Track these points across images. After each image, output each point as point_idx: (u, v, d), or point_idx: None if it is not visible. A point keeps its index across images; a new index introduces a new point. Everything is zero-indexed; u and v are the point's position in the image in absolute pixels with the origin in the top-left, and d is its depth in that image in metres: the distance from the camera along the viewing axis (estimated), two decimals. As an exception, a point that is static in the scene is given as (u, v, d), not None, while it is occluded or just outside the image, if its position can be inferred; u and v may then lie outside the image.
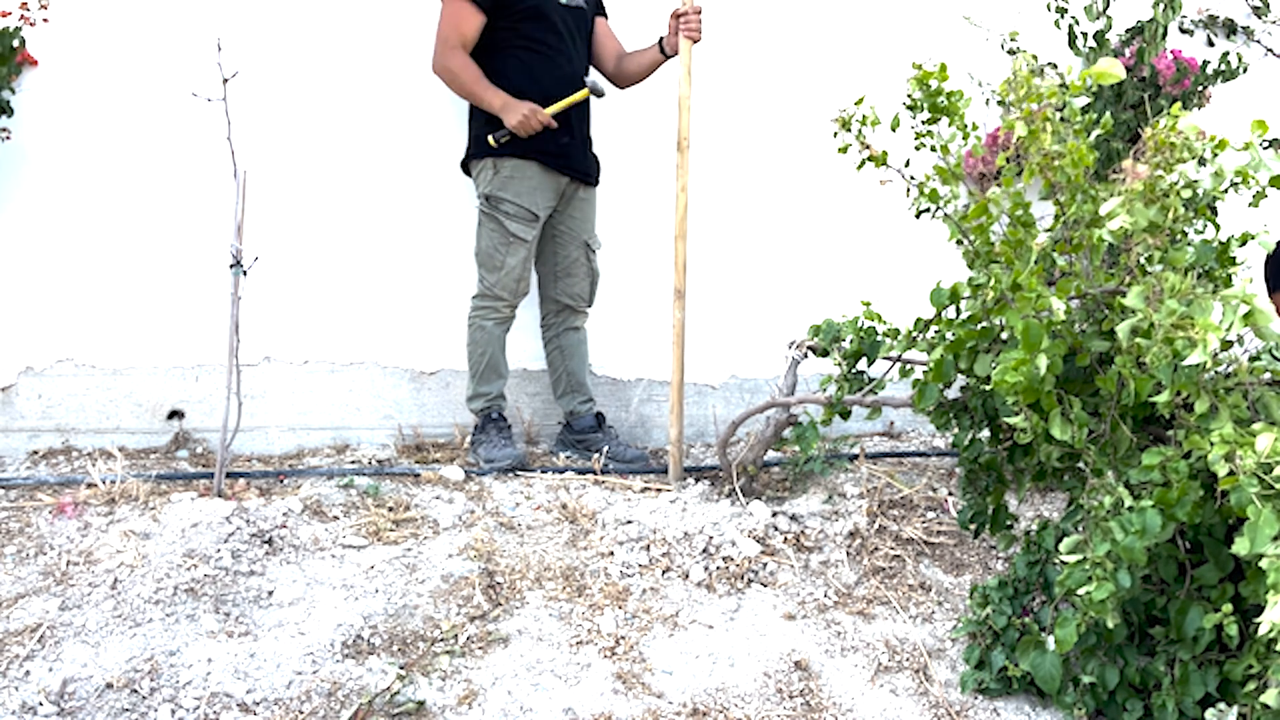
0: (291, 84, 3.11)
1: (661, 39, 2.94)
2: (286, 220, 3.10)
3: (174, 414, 3.12)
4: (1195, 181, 1.57)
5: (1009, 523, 2.14)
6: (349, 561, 2.23)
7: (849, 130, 2.19)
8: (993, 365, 1.85)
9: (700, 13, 2.77)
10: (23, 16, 2.84)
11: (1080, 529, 1.79)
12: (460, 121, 3.03)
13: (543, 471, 2.87)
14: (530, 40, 2.85)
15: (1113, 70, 1.69)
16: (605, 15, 3.10)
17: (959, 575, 2.36)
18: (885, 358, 2.28)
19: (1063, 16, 3.40)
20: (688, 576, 2.25)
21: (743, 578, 2.24)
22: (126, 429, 3.07)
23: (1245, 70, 3.37)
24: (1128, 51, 3.40)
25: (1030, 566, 2.02)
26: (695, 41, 2.77)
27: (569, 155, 2.92)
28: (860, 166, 2.22)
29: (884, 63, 3.16)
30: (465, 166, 3.02)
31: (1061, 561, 1.71)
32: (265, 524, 2.29)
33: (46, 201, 3.00)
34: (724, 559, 2.29)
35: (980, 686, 1.92)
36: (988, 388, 1.88)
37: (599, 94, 2.87)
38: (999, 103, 3.43)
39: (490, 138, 2.81)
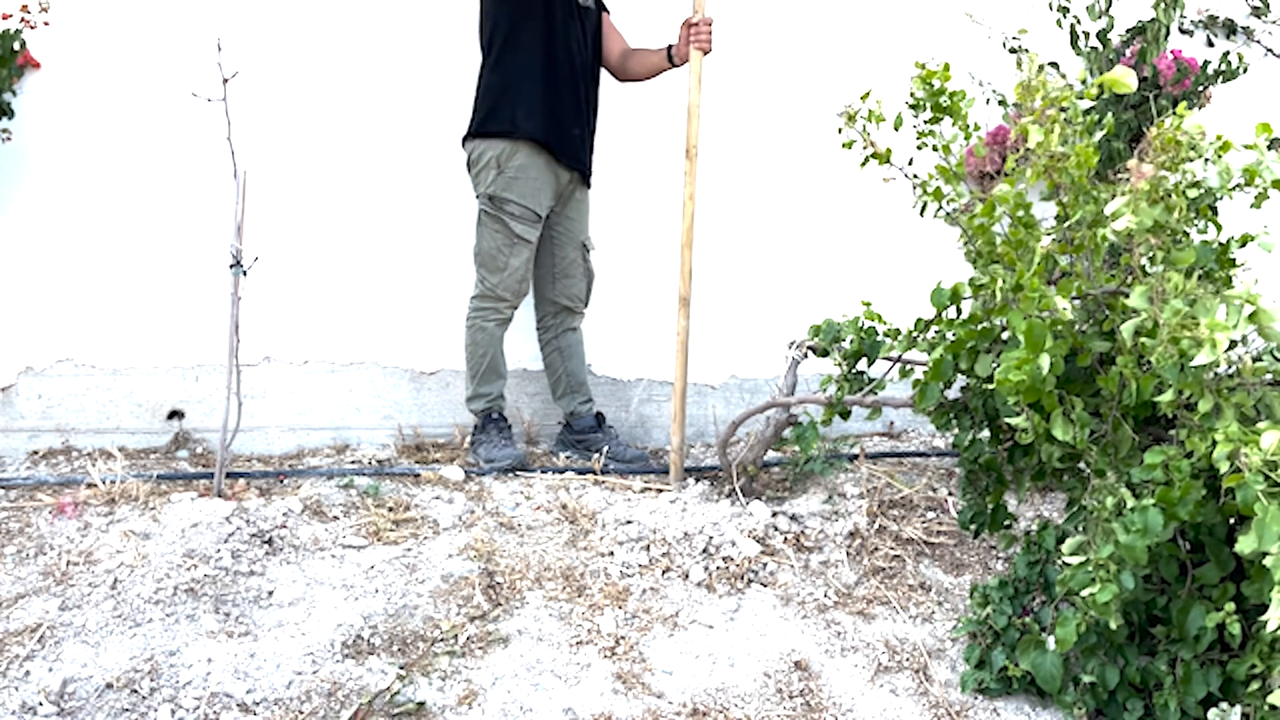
0: (291, 84, 3.11)
1: (670, 47, 2.92)
2: (286, 220, 3.10)
3: (174, 414, 3.12)
4: (1201, 180, 1.57)
5: (1008, 523, 2.14)
6: (349, 561, 2.23)
7: (854, 125, 2.19)
8: (994, 365, 1.85)
9: (711, 24, 2.76)
10: (24, 19, 2.85)
11: (1082, 530, 1.79)
12: (461, 118, 3.03)
13: (543, 471, 2.87)
14: (548, 36, 2.83)
15: (1125, 79, 1.69)
16: (607, 11, 3.10)
17: (959, 575, 2.35)
18: (885, 358, 2.27)
19: (1065, 16, 3.40)
20: (688, 576, 2.24)
21: (743, 578, 2.24)
22: (126, 429, 3.07)
23: (1245, 70, 3.37)
24: (1129, 51, 3.40)
25: (1030, 566, 2.02)
26: (706, 53, 2.76)
27: (581, 149, 2.92)
28: (864, 164, 2.22)
29: (884, 65, 3.15)
30: (465, 143, 2.94)
31: (1064, 562, 1.71)
32: (265, 524, 2.29)
33: (47, 202, 3.00)
34: (724, 559, 2.29)
35: (980, 686, 1.92)
36: (988, 388, 1.88)
37: None
38: (1000, 103, 3.43)
39: None
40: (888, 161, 2.20)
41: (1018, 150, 1.87)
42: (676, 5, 3.03)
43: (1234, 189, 1.63)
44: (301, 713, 1.72)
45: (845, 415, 2.29)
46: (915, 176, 2.15)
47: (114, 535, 2.21)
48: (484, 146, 2.85)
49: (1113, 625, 1.63)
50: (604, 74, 3.08)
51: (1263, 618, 1.43)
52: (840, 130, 2.21)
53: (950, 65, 2.06)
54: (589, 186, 3.06)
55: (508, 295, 2.91)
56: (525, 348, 3.24)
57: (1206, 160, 1.56)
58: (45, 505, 2.45)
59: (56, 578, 2.09)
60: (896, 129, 2.10)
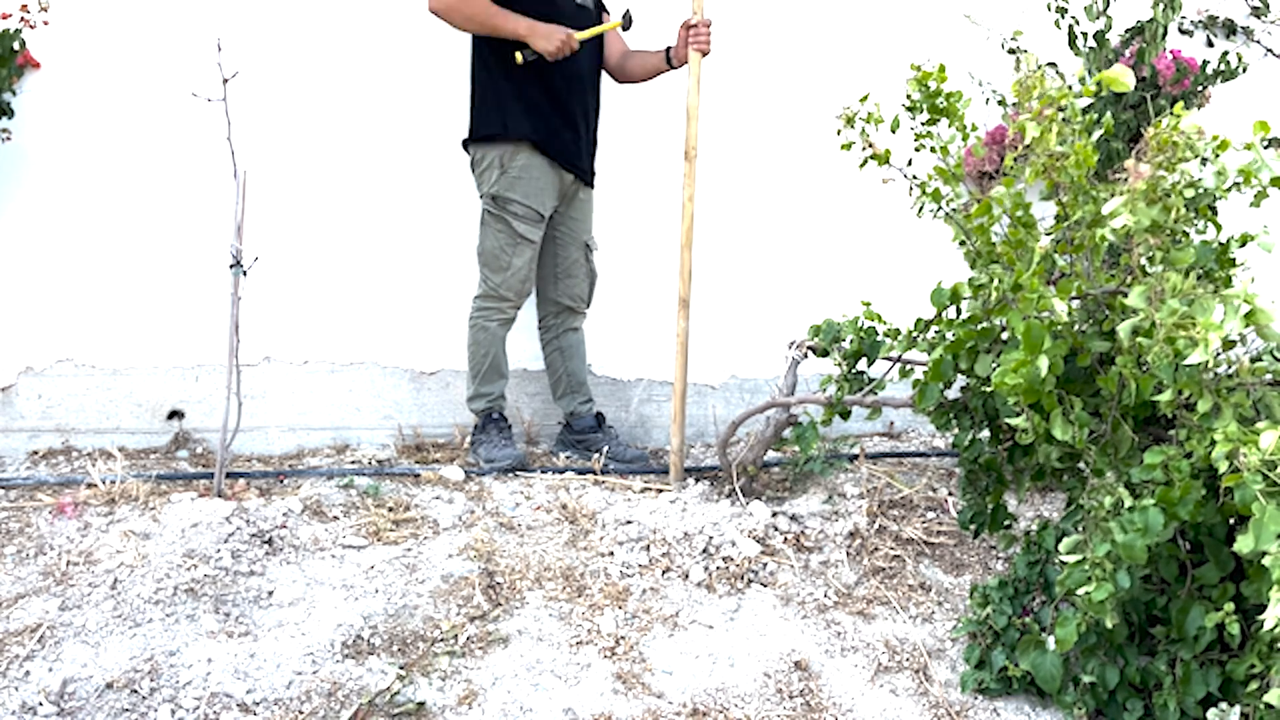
0: (291, 84, 3.11)
1: (669, 49, 2.91)
2: (286, 220, 3.10)
3: (174, 414, 3.12)
4: (1198, 181, 1.57)
5: (1008, 523, 2.14)
6: (349, 561, 2.23)
7: (853, 127, 2.19)
8: (993, 366, 1.85)
9: (710, 26, 2.75)
10: (23, 19, 2.85)
11: (1080, 529, 1.79)
12: (461, 118, 3.03)
13: (543, 471, 2.87)
14: None
15: (1124, 78, 1.69)
16: (608, 12, 3.09)
17: (959, 575, 2.35)
18: (885, 358, 2.27)
19: (1063, 16, 3.40)
20: (688, 577, 2.24)
21: (743, 578, 2.24)
22: (126, 429, 3.07)
23: (1245, 70, 3.37)
24: (1128, 52, 3.40)
25: (1030, 566, 2.02)
26: (705, 55, 2.76)
27: (578, 153, 2.92)
28: (863, 165, 2.22)
29: (883, 65, 3.16)
30: (466, 146, 2.94)
31: (1061, 562, 1.71)
32: (265, 524, 2.29)
33: (47, 202, 3.00)
34: (724, 559, 2.29)
35: (980, 686, 1.92)
36: (988, 388, 1.88)
37: (628, 25, 2.88)
38: (999, 103, 3.43)
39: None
40: (886, 162, 2.20)
41: (1015, 149, 1.87)
42: (675, 6, 3.03)
43: (1230, 190, 1.63)
44: (301, 713, 1.73)
45: (845, 415, 2.29)
46: (914, 178, 2.16)
47: (114, 535, 2.21)
48: (485, 149, 2.85)
49: (1109, 624, 1.63)
50: (604, 76, 3.08)
51: (1261, 617, 1.43)
52: (839, 132, 2.21)
53: (946, 66, 2.06)
54: (592, 187, 3.06)
55: (511, 295, 2.91)
56: (526, 348, 3.25)
57: (1204, 160, 1.56)
58: (45, 505, 2.45)
59: (56, 578, 2.09)
60: (894, 131, 2.10)
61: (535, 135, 2.81)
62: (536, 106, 2.82)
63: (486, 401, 2.96)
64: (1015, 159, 1.88)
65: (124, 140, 3.02)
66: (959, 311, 2.01)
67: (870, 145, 2.20)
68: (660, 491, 2.68)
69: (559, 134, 2.86)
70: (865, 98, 2.19)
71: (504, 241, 2.86)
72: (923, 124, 2.10)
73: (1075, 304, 1.84)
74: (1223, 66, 3.34)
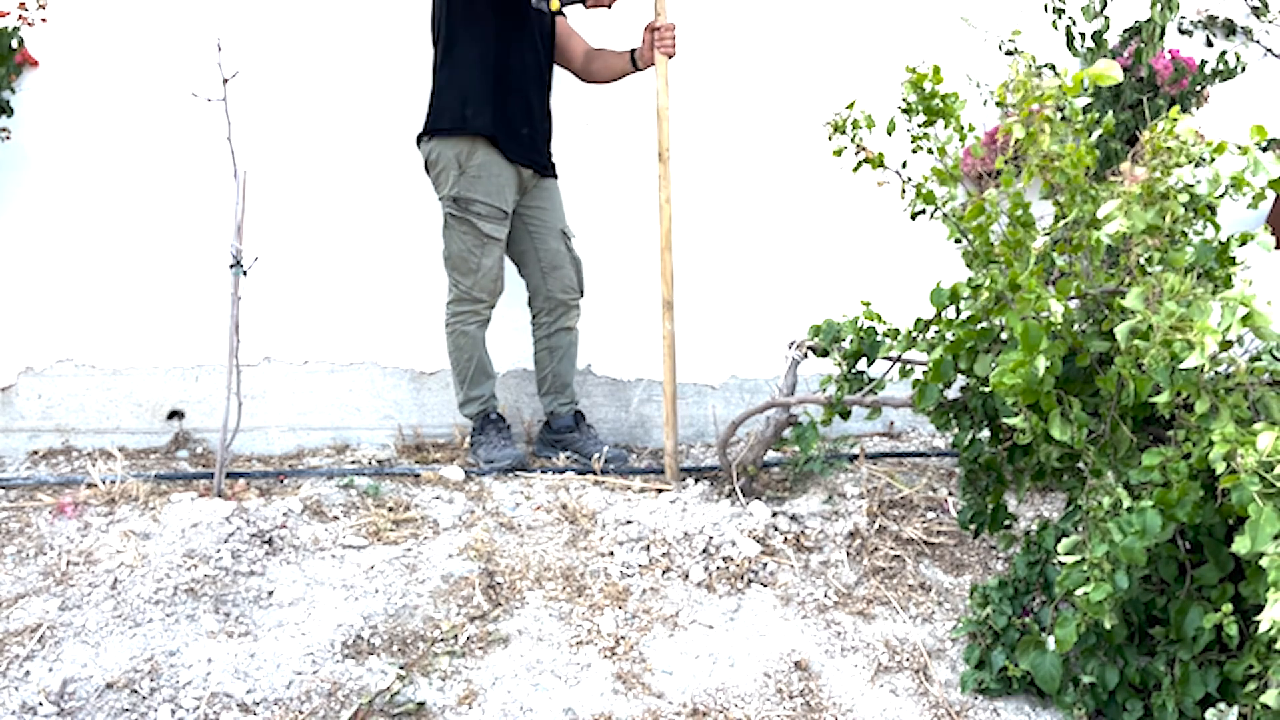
0: (291, 84, 3.11)
1: (634, 51, 2.90)
2: (286, 220, 3.10)
3: (174, 414, 3.12)
4: (1192, 185, 1.57)
5: (1008, 523, 2.14)
6: (349, 561, 2.23)
7: (843, 133, 2.19)
8: (992, 366, 1.85)
9: (674, 29, 2.75)
10: (21, 17, 2.85)
11: (1079, 529, 1.79)
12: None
13: (542, 472, 2.87)
14: (494, 39, 2.80)
15: (1110, 72, 1.69)
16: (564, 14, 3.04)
17: (959, 575, 2.36)
18: (885, 358, 2.28)
19: (1060, 17, 3.40)
20: (688, 577, 2.25)
21: (743, 578, 2.25)
22: (126, 429, 3.07)
23: (1243, 69, 3.37)
24: (1126, 52, 3.40)
25: (1030, 566, 2.02)
26: (670, 57, 2.75)
27: (533, 148, 2.90)
28: (857, 169, 2.23)
29: (883, 64, 3.16)
30: (420, 143, 2.92)
31: (1060, 562, 1.71)
32: (265, 524, 2.30)
33: (46, 201, 3.00)
34: (724, 559, 2.29)
35: (980, 686, 1.92)
36: (987, 388, 1.88)
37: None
38: (997, 104, 3.43)
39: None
40: (880, 165, 2.20)
41: (1006, 152, 1.87)
42: (639, 4, 3.00)
43: (1221, 197, 1.63)
44: (301, 713, 1.73)
45: (845, 415, 2.29)
46: (909, 180, 2.16)
47: (114, 535, 2.22)
48: (440, 147, 2.81)
49: (1108, 625, 1.63)
50: (568, 76, 3.07)
51: (1259, 618, 1.43)
52: (830, 138, 2.21)
53: (941, 68, 2.06)
54: (555, 177, 3.03)
55: (484, 296, 2.89)
56: (525, 347, 3.25)
57: (1199, 162, 1.56)
58: (45, 505, 2.45)
59: (56, 578, 2.09)
60: (890, 133, 2.10)
61: (495, 130, 2.78)
62: (490, 103, 2.79)
63: (479, 404, 2.96)
64: (1007, 162, 1.88)
65: (123, 139, 3.02)
66: (958, 311, 2.01)
67: (863, 149, 2.21)
68: (660, 491, 2.68)
69: (517, 130, 2.83)
70: (853, 104, 2.19)
71: (471, 243, 2.83)
72: (919, 126, 2.10)
73: (1074, 304, 1.84)
74: (1221, 66, 3.35)
